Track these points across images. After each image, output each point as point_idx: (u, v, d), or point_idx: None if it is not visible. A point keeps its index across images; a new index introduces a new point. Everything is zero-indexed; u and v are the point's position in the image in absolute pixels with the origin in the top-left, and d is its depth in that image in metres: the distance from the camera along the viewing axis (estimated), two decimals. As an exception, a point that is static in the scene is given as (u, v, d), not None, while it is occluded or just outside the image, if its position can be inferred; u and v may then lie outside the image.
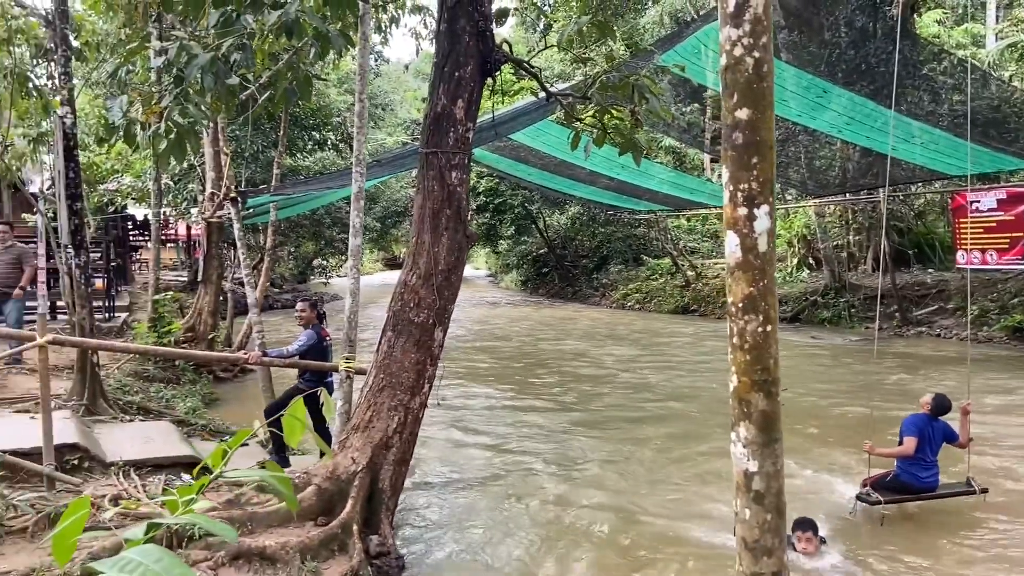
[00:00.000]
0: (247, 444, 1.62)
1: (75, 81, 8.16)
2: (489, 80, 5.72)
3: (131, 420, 7.72)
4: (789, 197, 19.23)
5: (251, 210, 13.11)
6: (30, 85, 7.86)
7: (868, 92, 9.68)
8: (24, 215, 15.92)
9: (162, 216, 16.73)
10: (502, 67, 5.74)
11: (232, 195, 9.83)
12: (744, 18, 2.14)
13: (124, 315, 14.11)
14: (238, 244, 10.11)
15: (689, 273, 25.37)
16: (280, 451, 7.31)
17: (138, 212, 23.12)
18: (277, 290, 28.14)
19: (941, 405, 6.30)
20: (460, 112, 5.47)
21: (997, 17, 23.84)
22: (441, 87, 5.49)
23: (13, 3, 7.90)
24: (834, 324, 19.21)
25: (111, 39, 9.43)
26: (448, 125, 5.47)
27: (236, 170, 13.72)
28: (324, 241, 25.63)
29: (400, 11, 10.34)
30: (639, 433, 9.31)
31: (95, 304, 9.65)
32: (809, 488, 7.03)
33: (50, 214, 8.82)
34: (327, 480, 5.31)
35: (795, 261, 23.43)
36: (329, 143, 22.58)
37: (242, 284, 12.04)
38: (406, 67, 38.25)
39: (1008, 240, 14.31)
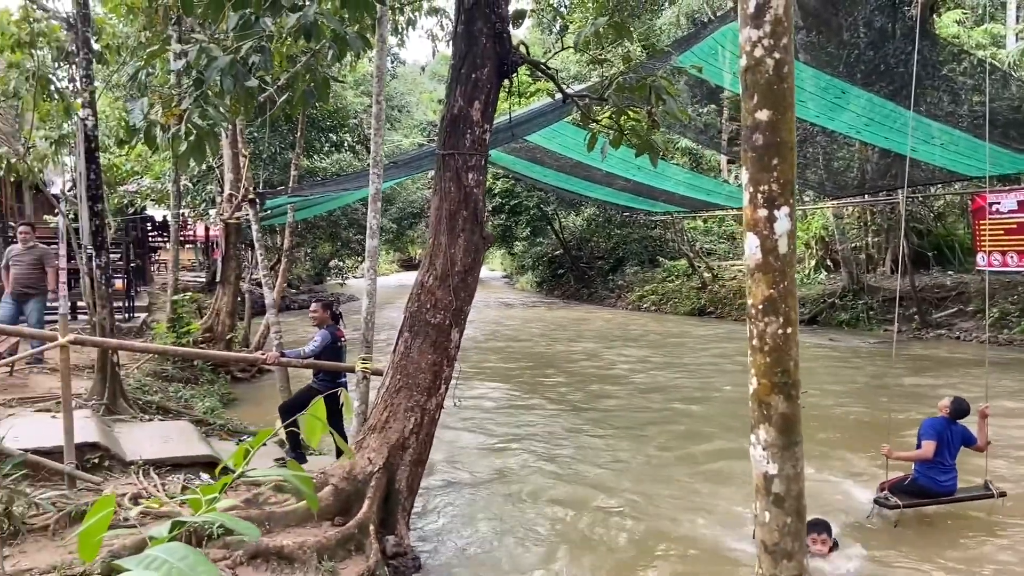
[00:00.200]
0: (264, 444, 1.64)
1: (96, 84, 8.24)
2: (506, 82, 5.72)
3: (150, 419, 7.78)
4: (807, 198, 19.09)
5: (269, 211, 13.19)
6: (52, 88, 7.96)
7: (887, 93, 9.62)
8: (46, 216, 16.16)
9: (181, 217, 16.87)
10: (519, 69, 5.74)
11: (250, 196, 9.90)
12: (764, 19, 2.13)
13: (143, 315, 14.22)
14: (256, 245, 10.20)
15: (705, 275, 25.24)
16: (295, 449, 7.36)
17: (157, 213, 23.40)
18: (294, 291, 28.28)
19: (960, 408, 6.24)
20: (477, 114, 5.47)
21: (1018, 17, 23.51)
22: (458, 89, 5.49)
23: (35, 7, 7.99)
24: (852, 326, 19.04)
25: (131, 42, 9.50)
26: (465, 127, 5.47)
27: (254, 172, 13.80)
28: (341, 242, 25.79)
29: (417, 13, 10.35)
30: (648, 433, 9.29)
31: (115, 304, 9.76)
32: (825, 491, 6.96)
33: (71, 215, 8.93)
34: (344, 480, 5.33)
35: (813, 263, 23.24)
36: (346, 145, 22.71)
37: (260, 285, 12.15)
38: (422, 69, 38.21)
39: (1029, 242, 14.18)
